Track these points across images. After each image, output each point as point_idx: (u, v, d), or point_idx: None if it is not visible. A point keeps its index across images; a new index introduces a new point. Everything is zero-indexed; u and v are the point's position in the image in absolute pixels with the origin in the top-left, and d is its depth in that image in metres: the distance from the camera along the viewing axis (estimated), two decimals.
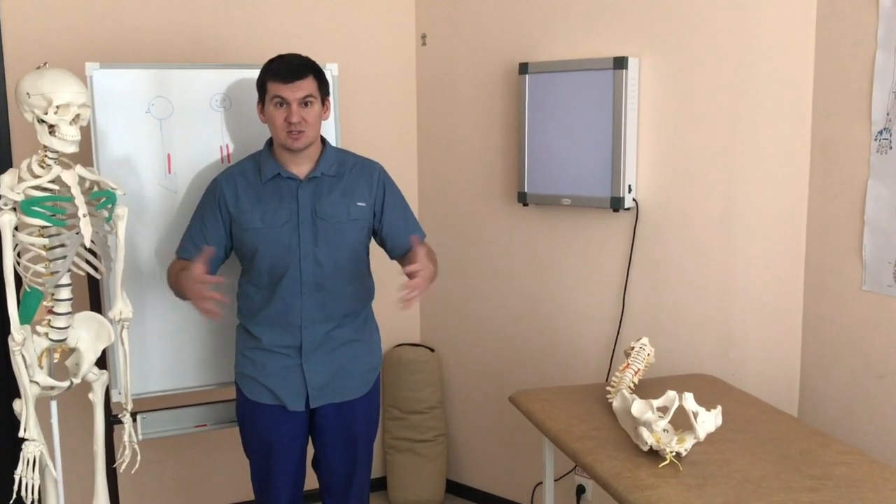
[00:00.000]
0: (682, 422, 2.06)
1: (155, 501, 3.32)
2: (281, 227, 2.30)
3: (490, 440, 3.49)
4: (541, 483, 3.33)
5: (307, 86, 2.25)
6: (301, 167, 2.33)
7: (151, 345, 2.61)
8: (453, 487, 3.64)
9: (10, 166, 2.96)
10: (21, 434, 2.04)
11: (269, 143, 2.38)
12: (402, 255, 2.42)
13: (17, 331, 1.99)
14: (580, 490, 3.19)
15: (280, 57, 2.30)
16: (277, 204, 2.31)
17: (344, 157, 2.42)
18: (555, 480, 2.69)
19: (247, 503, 3.48)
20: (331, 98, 2.42)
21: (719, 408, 1.98)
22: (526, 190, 3.06)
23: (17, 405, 2.09)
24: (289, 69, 2.23)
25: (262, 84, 2.29)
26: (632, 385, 2.34)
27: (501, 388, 3.40)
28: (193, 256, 2.28)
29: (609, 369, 3.03)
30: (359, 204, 2.36)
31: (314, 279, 2.31)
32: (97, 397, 2.26)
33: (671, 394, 1.96)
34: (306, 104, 2.24)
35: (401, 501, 3.51)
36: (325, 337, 2.35)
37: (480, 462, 3.55)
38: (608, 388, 2.35)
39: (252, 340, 2.38)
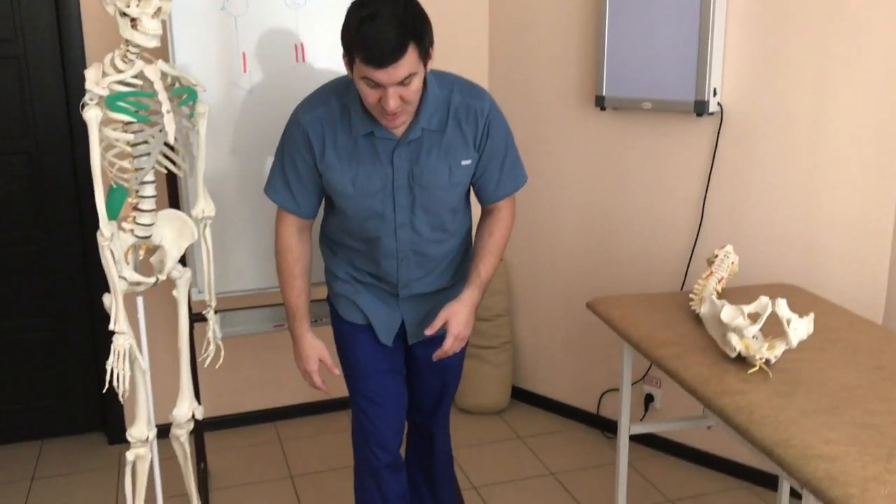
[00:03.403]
0: (770, 330, 2.02)
1: (230, 398, 3.42)
2: (374, 195, 2.00)
3: (557, 348, 3.50)
4: (607, 391, 3.34)
5: (406, 64, 1.76)
6: None
7: (229, 244, 2.63)
8: (519, 394, 3.67)
9: (84, 62, 2.96)
10: (111, 327, 2.08)
11: None
12: (486, 204, 2.17)
13: (105, 226, 2.00)
14: (648, 399, 3.19)
15: (371, 22, 1.73)
16: (370, 167, 1.97)
17: (448, 95, 1.98)
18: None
19: (319, 403, 3.58)
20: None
21: (812, 315, 1.92)
22: (604, 93, 2.96)
23: (107, 299, 2.13)
24: (382, 53, 1.72)
25: (347, 49, 1.81)
26: (715, 293, 2.29)
27: (570, 296, 3.38)
28: (291, 208, 2.08)
29: (684, 279, 2.98)
30: (463, 163, 2.01)
31: (411, 247, 2.09)
32: (181, 294, 2.28)
33: (763, 300, 1.91)
34: (406, 83, 1.80)
35: (467, 407, 3.56)
36: (424, 286, 2.19)
37: (546, 369, 3.57)
38: (691, 295, 2.30)
39: (346, 266, 2.20)
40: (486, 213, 2.19)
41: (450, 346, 2.04)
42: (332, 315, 2.28)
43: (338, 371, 2.20)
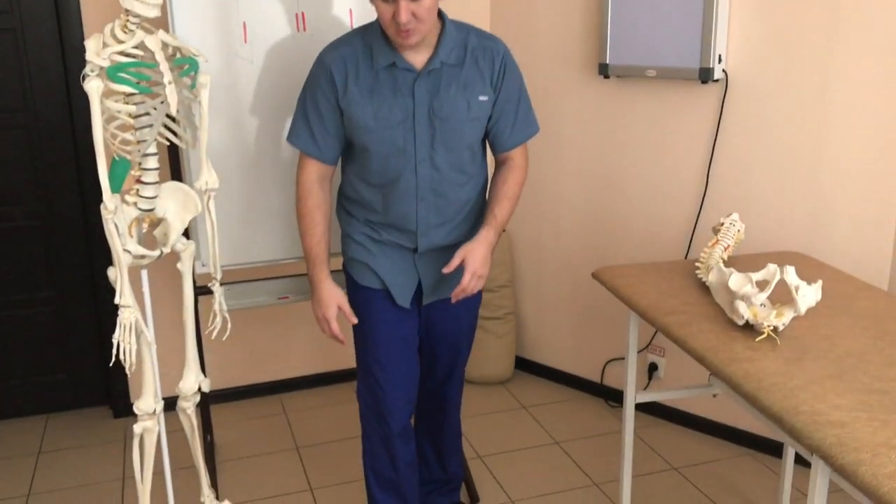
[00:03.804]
0: (778, 297, 2.02)
1: (236, 370, 3.43)
2: (395, 128, 2.06)
3: (560, 318, 3.50)
4: (611, 360, 3.35)
5: None
6: (418, 56, 2.05)
7: (233, 217, 2.61)
8: (523, 364, 3.68)
9: (82, 33, 2.92)
10: (117, 300, 2.07)
11: None
12: (498, 154, 2.23)
13: (108, 199, 1.99)
14: (652, 368, 3.20)
15: None
16: (392, 100, 2.05)
17: (465, 37, 2.10)
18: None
19: (324, 374, 3.59)
20: None
21: (820, 282, 1.92)
22: (608, 61, 2.93)
23: (112, 273, 2.12)
24: None
25: None
26: (721, 261, 2.29)
27: (573, 265, 3.38)
28: (312, 151, 2.14)
29: (689, 248, 2.97)
30: (480, 98, 2.09)
31: (430, 185, 2.12)
32: (185, 267, 2.27)
33: (772, 267, 1.90)
34: None
35: (471, 377, 3.57)
36: (441, 237, 2.21)
37: (550, 340, 3.57)
38: (697, 263, 2.30)
39: (363, 227, 2.24)
40: (500, 164, 2.25)
41: (467, 282, 2.08)
42: (348, 283, 2.30)
43: (355, 320, 2.22)
